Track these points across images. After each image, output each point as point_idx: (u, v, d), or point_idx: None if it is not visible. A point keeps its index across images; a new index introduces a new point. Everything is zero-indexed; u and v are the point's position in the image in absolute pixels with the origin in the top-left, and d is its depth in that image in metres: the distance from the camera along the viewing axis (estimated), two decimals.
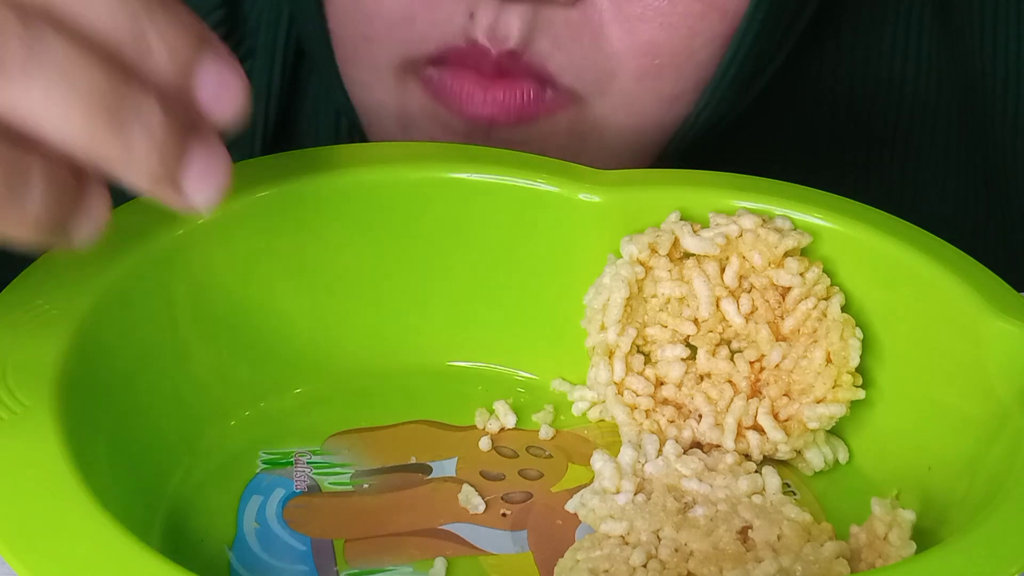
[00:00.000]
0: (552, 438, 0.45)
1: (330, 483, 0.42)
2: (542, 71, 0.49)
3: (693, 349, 0.44)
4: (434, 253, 0.46)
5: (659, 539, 0.39)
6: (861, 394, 0.42)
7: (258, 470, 0.42)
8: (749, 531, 0.39)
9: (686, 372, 0.43)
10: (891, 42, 0.60)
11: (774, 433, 0.42)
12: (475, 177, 0.45)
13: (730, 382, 0.43)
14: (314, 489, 0.42)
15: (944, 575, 0.33)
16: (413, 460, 0.43)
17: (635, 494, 0.40)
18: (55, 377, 0.36)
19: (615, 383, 0.44)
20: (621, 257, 0.44)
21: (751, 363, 0.43)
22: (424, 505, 0.41)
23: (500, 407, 0.45)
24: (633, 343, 0.43)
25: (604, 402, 0.45)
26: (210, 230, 0.43)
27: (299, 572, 0.39)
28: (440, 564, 0.39)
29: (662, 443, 0.42)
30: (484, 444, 0.44)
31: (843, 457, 0.44)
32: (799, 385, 0.43)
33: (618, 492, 0.40)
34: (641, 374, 0.44)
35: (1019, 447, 0.37)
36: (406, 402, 0.45)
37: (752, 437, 0.42)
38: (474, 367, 0.47)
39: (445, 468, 0.43)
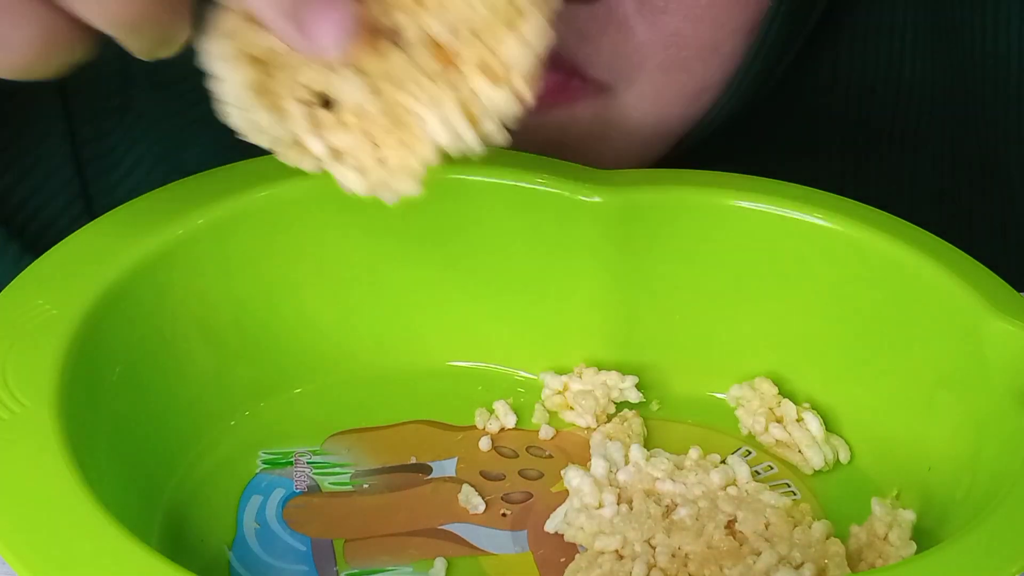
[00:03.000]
0: (552, 438, 0.45)
1: (330, 483, 0.42)
2: (569, 63, 0.49)
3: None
4: (434, 253, 0.46)
5: (653, 547, 0.38)
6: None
7: (258, 470, 0.42)
8: (735, 524, 0.39)
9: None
10: (888, 38, 0.60)
11: (492, 92, 0.35)
12: (475, 177, 0.45)
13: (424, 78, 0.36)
14: (314, 489, 0.42)
15: (944, 575, 0.33)
16: (413, 460, 0.43)
17: (617, 505, 0.40)
18: (55, 377, 0.36)
19: None
20: None
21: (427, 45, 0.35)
22: (424, 505, 0.41)
23: (500, 407, 0.45)
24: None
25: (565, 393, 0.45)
26: (210, 230, 0.43)
27: (299, 572, 0.39)
28: (440, 564, 0.39)
29: (626, 448, 0.42)
30: (484, 444, 0.44)
31: (843, 457, 0.44)
32: (484, 32, 0.35)
33: (600, 506, 0.40)
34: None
35: (1019, 447, 0.37)
36: (406, 402, 0.45)
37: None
38: (474, 367, 0.47)
39: (445, 468, 0.43)
